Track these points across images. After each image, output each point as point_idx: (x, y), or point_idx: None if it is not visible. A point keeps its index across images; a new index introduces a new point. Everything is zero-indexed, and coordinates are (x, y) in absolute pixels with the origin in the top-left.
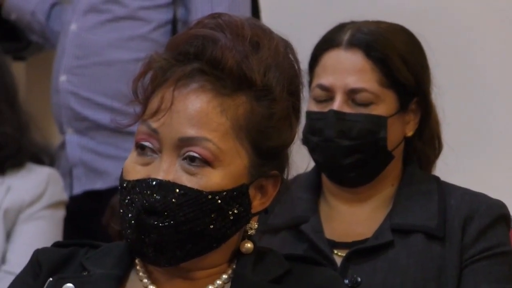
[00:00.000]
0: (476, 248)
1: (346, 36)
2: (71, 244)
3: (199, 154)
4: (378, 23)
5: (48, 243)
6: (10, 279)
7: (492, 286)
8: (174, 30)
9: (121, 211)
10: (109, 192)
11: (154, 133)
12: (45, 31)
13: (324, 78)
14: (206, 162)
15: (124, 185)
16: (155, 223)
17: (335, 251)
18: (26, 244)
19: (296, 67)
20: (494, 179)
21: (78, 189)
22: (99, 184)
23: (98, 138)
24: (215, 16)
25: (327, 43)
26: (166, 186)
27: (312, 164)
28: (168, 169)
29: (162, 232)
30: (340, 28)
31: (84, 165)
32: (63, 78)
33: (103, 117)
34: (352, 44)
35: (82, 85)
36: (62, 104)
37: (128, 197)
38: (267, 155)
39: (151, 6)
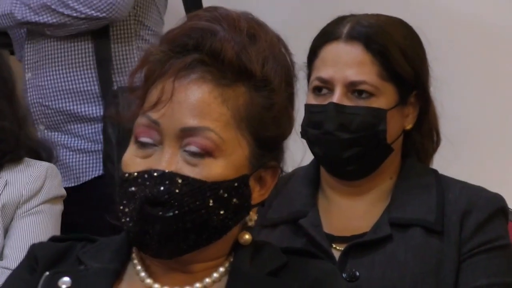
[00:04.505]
0: (474, 242)
1: (345, 29)
2: (68, 238)
3: (200, 145)
4: (378, 16)
5: (46, 238)
6: (7, 274)
7: (490, 279)
8: None
9: (122, 203)
10: (80, 188)
11: (154, 125)
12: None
13: (324, 70)
14: (207, 153)
15: (125, 177)
16: (160, 213)
17: (334, 245)
18: (24, 239)
19: (289, 60)
20: (492, 172)
21: None
22: (70, 179)
23: (67, 131)
24: (210, 9)
25: (327, 36)
26: (168, 177)
27: (307, 157)
28: (169, 160)
29: (166, 222)
30: (340, 21)
31: (59, 161)
32: (28, 75)
33: (68, 105)
34: (352, 36)
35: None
36: (32, 101)
37: (130, 189)
38: (267, 146)
39: None
